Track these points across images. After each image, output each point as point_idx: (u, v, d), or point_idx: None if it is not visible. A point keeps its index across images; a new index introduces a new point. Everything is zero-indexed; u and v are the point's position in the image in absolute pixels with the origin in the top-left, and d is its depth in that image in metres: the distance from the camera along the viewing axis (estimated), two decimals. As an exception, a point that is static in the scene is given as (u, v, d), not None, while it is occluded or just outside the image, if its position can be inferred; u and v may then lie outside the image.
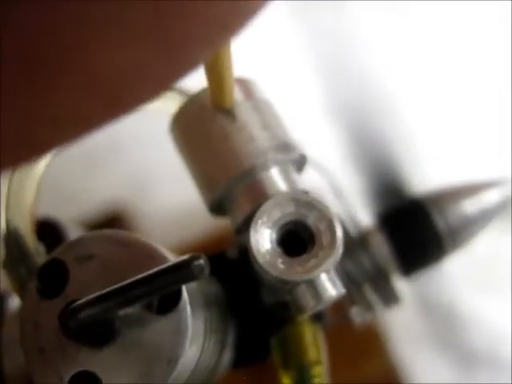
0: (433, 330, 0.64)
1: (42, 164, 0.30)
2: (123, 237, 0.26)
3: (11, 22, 0.11)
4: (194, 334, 0.25)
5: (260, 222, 0.25)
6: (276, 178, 0.27)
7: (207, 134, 0.28)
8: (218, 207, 0.28)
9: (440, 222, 0.35)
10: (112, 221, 0.76)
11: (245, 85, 0.28)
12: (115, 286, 0.22)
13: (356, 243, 0.35)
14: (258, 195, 0.27)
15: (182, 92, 0.33)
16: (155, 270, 0.22)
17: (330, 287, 0.26)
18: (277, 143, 0.27)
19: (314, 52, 0.51)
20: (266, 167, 0.27)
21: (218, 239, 0.37)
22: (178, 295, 0.24)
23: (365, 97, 0.47)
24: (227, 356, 0.31)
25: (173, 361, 0.24)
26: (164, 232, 0.72)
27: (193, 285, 0.26)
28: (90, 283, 0.25)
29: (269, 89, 0.30)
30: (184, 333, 0.24)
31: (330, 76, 0.50)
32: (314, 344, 0.31)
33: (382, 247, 0.35)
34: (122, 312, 0.24)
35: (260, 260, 0.25)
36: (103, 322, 0.24)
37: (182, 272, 0.22)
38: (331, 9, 0.48)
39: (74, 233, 0.35)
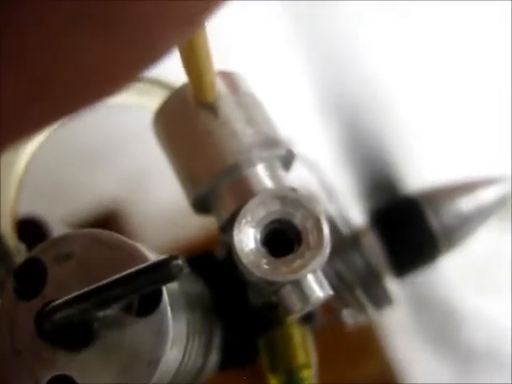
0: (431, 328, 0.63)
1: (23, 163, 0.30)
2: (105, 236, 0.25)
3: None
4: (175, 336, 0.24)
5: (244, 221, 0.24)
6: (262, 174, 0.26)
7: (189, 129, 0.27)
8: (201, 205, 0.28)
9: (434, 221, 0.35)
10: (106, 220, 0.75)
11: (230, 78, 0.27)
12: (92, 287, 0.22)
13: (347, 243, 0.34)
14: (243, 192, 0.26)
15: (168, 87, 0.32)
16: (132, 269, 0.21)
17: (317, 288, 0.25)
18: (262, 139, 0.26)
19: (306, 49, 0.50)
20: (251, 163, 0.26)
21: (213, 239, 0.36)
22: (158, 296, 0.23)
23: (358, 93, 0.47)
24: (213, 359, 0.30)
25: (153, 363, 0.23)
26: (159, 231, 0.71)
27: (174, 286, 0.25)
28: (69, 284, 0.24)
29: (259, 87, 0.29)
30: (165, 335, 0.23)
31: (322, 72, 0.49)
32: (303, 346, 0.31)
33: (374, 247, 0.35)
34: (100, 314, 0.23)
35: (244, 260, 0.24)
36: (81, 324, 0.23)
37: (160, 272, 0.21)
38: (324, 6, 0.47)
39: (59, 232, 0.34)
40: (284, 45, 0.51)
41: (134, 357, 0.23)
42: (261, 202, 0.25)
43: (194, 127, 0.26)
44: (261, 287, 0.27)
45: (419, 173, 0.44)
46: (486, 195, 0.37)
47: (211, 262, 0.33)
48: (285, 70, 0.53)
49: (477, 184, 0.37)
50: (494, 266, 0.58)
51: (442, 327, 0.63)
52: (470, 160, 0.46)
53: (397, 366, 0.63)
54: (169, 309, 0.23)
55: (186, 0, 0.13)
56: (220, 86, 0.27)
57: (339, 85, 0.49)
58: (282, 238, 0.25)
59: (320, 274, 0.25)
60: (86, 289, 0.22)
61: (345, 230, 0.34)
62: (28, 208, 0.33)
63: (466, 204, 0.36)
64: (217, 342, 0.30)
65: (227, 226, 0.26)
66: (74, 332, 0.23)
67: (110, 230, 0.25)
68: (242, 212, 0.24)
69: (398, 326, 0.63)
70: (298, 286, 0.24)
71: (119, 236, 0.24)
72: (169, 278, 0.21)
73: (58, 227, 0.34)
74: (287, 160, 0.28)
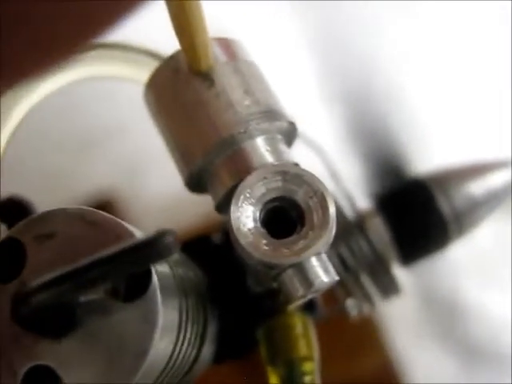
0: (434, 321, 0.61)
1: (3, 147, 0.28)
2: (89, 214, 0.23)
3: None
4: (165, 324, 0.22)
5: (242, 197, 0.22)
6: (261, 148, 0.24)
7: (182, 100, 0.24)
8: (196, 183, 0.25)
9: (445, 205, 0.33)
10: (102, 207, 0.74)
11: (227, 44, 0.25)
12: (72, 267, 0.19)
13: (352, 227, 0.32)
14: (241, 168, 0.24)
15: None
16: (117, 248, 0.19)
17: (322, 273, 0.23)
18: (261, 110, 0.24)
19: (312, 34, 0.48)
20: (249, 136, 0.24)
21: (209, 227, 0.34)
22: (147, 280, 0.21)
23: (364, 77, 0.45)
24: (208, 350, 0.28)
25: (141, 354, 0.21)
26: (155, 219, 0.70)
27: (165, 268, 0.23)
28: (51, 266, 0.22)
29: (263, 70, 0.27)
30: (153, 322, 0.21)
31: (328, 56, 0.47)
32: (305, 337, 0.29)
33: (380, 232, 0.33)
34: (82, 298, 0.21)
35: (242, 241, 0.22)
36: (61, 310, 0.21)
37: (147, 250, 0.18)
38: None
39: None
40: (290, 30, 0.49)
41: (120, 347, 0.21)
42: (261, 177, 0.23)
43: (186, 98, 0.24)
44: (260, 272, 0.25)
45: (427, 155, 0.42)
46: (497, 179, 0.35)
47: (207, 246, 0.31)
48: (289, 52, 0.51)
49: (488, 167, 0.35)
50: (498, 259, 0.56)
51: (446, 320, 0.62)
52: (481, 142, 0.45)
53: (397, 360, 0.62)
54: (159, 294, 0.21)
55: None
56: (216, 53, 0.25)
57: (345, 69, 0.47)
58: (283, 219, 0.23)
59: (325, 257, 0.23)
60: (65, 269, 0.19)
61: (349, 214, 0.32)
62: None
63: (477, 187, 0.34)
64: (212, 331, 0.28)
65: (224, 205, 0.24)
66: (53, 318, 0.21)
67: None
68: (240, 188, 0.22)
69: (400, 319, 0.62)
70: (301, 269, 0.22)
71: (104, 214, 0.22)
72: (157, 257, 0.19)
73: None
74: (289, 134, 0.25)
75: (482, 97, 0.45)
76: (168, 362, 0.23)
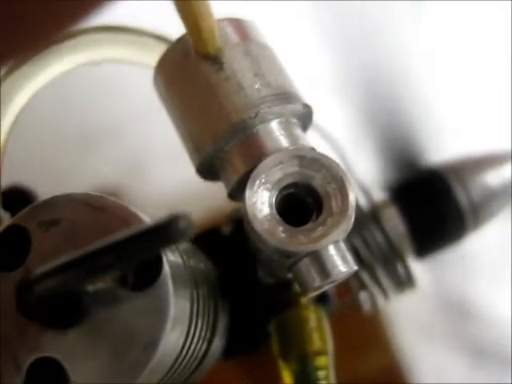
0: (444, 321, 0.61)
1: (4, 133, 0.27)
2: (95, 199, 0.22)
3: None
4: (176, 315, 0.21)
5: (258, 182, 0.21)
6: (275, 132, 0.23)
7: (192, 84, 0.23)
8: (208, 169, 0.24)
9: (463, 196, 0.32)
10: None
11: (237, 25, 0.24)
12: (79, 253, 0.18)
13: (366, 218, 0.31)
14: (254, 153, 0.23)
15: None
16: (126, 232, 0.18)
17: (340, 262, 0.22)
18: (272, 92, 0.23)
19: (328, 26, 0.48)
20: (261, 121, 0.23)
21: (214, 220, 0.34)
22: (157, 268, 0.20)
23: (379, 68, 0.44)
24: (217, 344, 0.27)
25: (151, 346, 0.20)
26: (159, 213, 0.69)
27: (177, 257, 0.22)
28: (56, 253, 0.21)
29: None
30: (164, 312, 0.20)
31: (344, 48, 0.47)
32: (319, 330, 0.28)
33: (395, 223, 0.32)
34: (90, 287, 0.20)
35: (257, 227, 0.21)
36: (67, 299, 0.20)
37: (160, 234, 0.17)
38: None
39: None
40: (304, 20, 0.49)
41: (129, 338, 0.20)
42: (277, 161, 0.22)
43: (195, 82, 0.23)
44: (274, 262, 0.24)
45: (442, 145, 0.41)
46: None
47: (217, 239, 0.30)
48: (302, 42, 0.50)
49: (503, 157, 0.34)
50: (509, 260, 0.56)
51: (457, 321, 0.61)
52: (494, 132, 0.44)
53: (404, 358, 0.61)
54: (170, 282, 0.20)
55: None
56: (227, 33, 0.24)
57: (360, 61, 0.46)
58: (297, 207, 0.22)
59: (343, 245, 0.22)
60: (71, 255, 0.18)
61: (364, 204, 0.31)
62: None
63: (493, 178, 0.33)
64: (222, 325, 0.27)
65: (236, 192, 0.23)
66: (59, 308, 0.20)
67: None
68: (256, 172, 0.21)
69: (409, 318, 0.61)
70: (318, 258, 0.21)
71: (110, 198, 0.21)
72: (172, 241, 0.18)
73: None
74: (304, 117, 0.24)
75: (498, 87, 0.45)
76: (178, 357, 0.22)
